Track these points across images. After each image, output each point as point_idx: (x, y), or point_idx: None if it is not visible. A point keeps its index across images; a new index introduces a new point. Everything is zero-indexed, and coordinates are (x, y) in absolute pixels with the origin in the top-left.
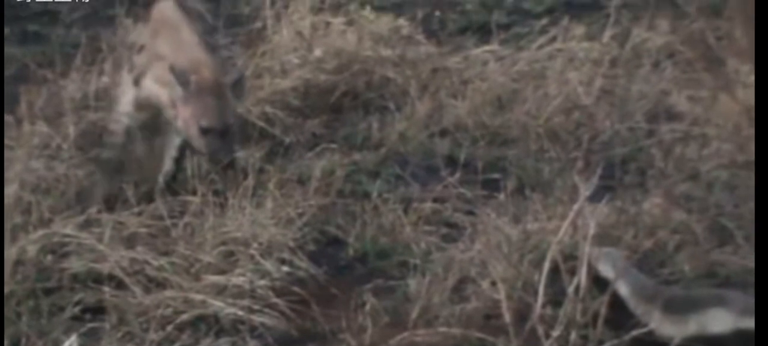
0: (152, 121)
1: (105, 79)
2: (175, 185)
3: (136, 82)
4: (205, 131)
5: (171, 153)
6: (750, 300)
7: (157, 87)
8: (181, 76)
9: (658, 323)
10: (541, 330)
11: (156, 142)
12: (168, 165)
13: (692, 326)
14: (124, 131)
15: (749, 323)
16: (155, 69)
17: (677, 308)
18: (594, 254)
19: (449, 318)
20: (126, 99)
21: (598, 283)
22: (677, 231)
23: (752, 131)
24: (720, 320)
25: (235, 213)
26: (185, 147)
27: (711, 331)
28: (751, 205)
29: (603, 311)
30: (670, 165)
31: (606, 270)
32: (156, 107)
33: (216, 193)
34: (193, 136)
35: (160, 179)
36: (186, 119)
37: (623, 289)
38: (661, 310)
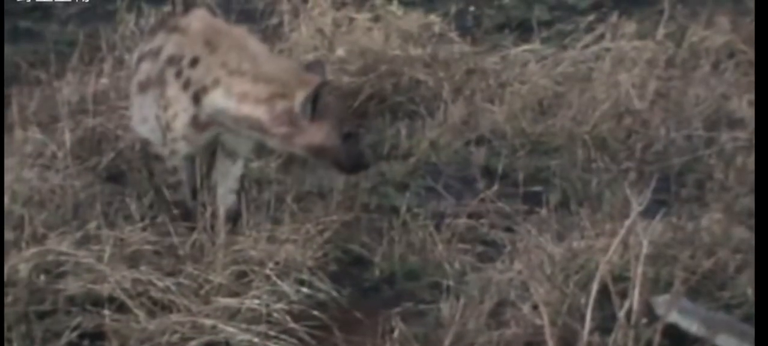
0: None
1: (104, 80)
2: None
3: (197, 99)
4: (347, 137)
5: (230, 185)
6: None
7: (245, 106)
8: (306, 103)
9: None
10: None
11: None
12: (230, 200)
13: None
14: (184, 158)
15: None
16: (234, 85)
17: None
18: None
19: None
20: (181, 120)
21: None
22: (739, 250)
23: None
24: None
25: (250, 230)
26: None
27: None
28: None
29: (657, 339)
30: (731, 177)
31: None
32: (222, 125)
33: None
34: (332, 149)
35: (221, 211)
36: (325, 132)
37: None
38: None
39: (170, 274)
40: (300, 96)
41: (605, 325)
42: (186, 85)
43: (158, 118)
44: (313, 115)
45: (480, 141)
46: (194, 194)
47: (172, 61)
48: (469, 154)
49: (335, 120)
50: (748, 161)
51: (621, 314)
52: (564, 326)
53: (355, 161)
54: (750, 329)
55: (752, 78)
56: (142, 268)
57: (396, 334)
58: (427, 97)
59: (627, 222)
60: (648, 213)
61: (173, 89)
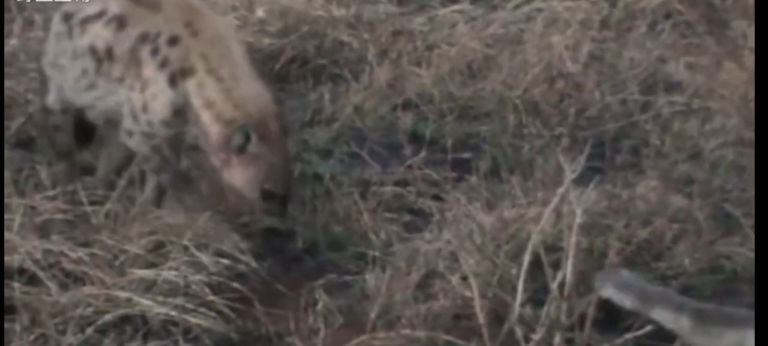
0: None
1: (13, 42)
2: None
3: (172, 82)
4: (267, 195)
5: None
6: None
7: (206, 113)
8: (241, 135)
9: (688, 334)
10: (519, 332)
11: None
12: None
13: (729, 342)
14: (164, 147)
15: None
16: (205, 83)
17: (712, 321)
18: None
19: (413, 319)
20: (160, 103)
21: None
22: (676, 219)
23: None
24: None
25: (166, 199)
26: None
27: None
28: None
29: (591, 311)
30: (667, 143)
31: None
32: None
33: (143, 174)
34: (248, 195)
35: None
36: (245, 177)
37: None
38: (691, 320)
39: (83, 244)
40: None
41: (537, 297)
42: (163, 64)
43: (129, 100)
44: (240, 153)
45: (407, 106)
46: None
47: (146, 39)
48: (395, 120)
49: (263, 173)
50: (686, 127)
51: (554, 286)
52: (494, 298)
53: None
54: (688, 301)
55: (690, 40)
56: (54, 238)
57: (319, 306)
58: (351, 60)
59: (560, 190)
60: (582, 181)
61: (150, 69)
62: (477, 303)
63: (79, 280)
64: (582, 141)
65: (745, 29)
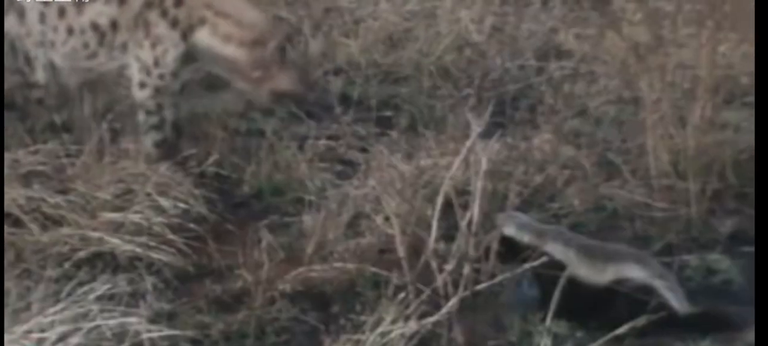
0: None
1: None
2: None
3: (184, 36)
4: (310, 87)
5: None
6: (662, 267)
7: (228, 47)
8: (279, 47)
9: (575, 265)
10: (434, 264)
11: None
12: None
13: (610, 273)
14: (171, 95)
15: (659, 285)
16: (217, 24)
17: (595, 254)
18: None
19: (344, 253)
20: (172, 56)
21: (507, 244)
22: (567, 166)
23: (638, 68)
24: (636, 273)
25: (132, 152)
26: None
27: (628, 277)
28: (639, 140)
29: (494, 245)
30: (559, 101)
31: (511, 232)
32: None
33: (113, 132)
34: (297, 92)
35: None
36: (291, 78)
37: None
38: (577, 253)
39: (61, 192)
40: (272, 44)
41: (449, 234)
42: (174, 23)
43: (138, 58)
44: (281, 61)
45: (337, 72)
46: (177, 129)
47: (151, 4)
48: (327, 83)
49: (299, 70)
50: (574, 88)
51: (463, 224)
52: (413, 235)
53: (321, 107)
54: (575, 236)
55: (578, 14)
56: (35, 186)
57: (263, 244)
58: (289, 33)
59: (468, 142)
60: (486, 134)
61: (161, 28)
62: (398, 239)
63: (57, 222)
64: (486, 100)
65: (623, 4)
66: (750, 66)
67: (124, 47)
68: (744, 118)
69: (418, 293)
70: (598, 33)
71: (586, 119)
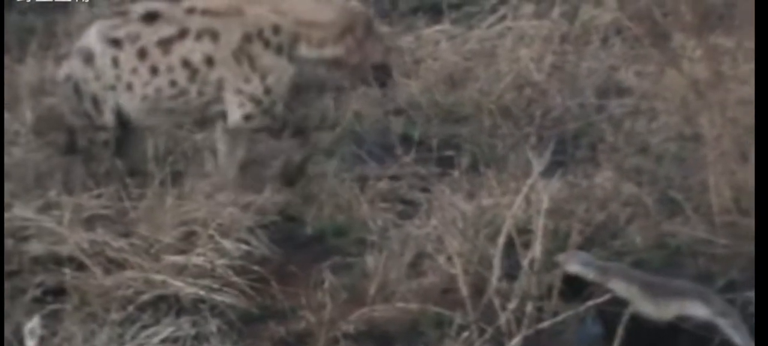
0: None
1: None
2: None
3: (290, 59)
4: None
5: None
6: (725, 304)
7: (325, 50)
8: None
9: (638, 302)
10: (497, 303)
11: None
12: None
13: (673, 310)
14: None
15: (722, 323)
16: (310, 35)
17: (658, 290)
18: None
19: (406, 293)
20: (284, 82)
21: (570, 282)
22: (628, 203)
23: (699, 104)
24: (700, 311)
25: (194, 194)
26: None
27: (691, 314)
28: (700, 177)
29: (557, 283)
30: (619, 139)
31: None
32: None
33: (174, 174)
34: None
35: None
36: (381, 50)
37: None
38: (640, 290)
39: (124, 235)
40: (359, 23)
41: (511, 272)
42: (279, 50)
43: (241, 92)
44: (369, 38)
45: (398, 112)
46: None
47: (248, 38)
48: (388, 124)
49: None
50: (635, 125)
51: (525, 263)
52: (475, 274)
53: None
54: (638, 274)
55: (638, 51)
56: (98, 230)
57: (326, 285)
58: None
59: (529, 181)
60: (547, 173)
61: (267, 58)
62: (461, 279)
63: (121, 266)
64: (547, 139)
65: (683, 41)
66: None
67: (219, 83)
68: None
69: (482, 332)
70: (658, 70)
71: (647, 156)
